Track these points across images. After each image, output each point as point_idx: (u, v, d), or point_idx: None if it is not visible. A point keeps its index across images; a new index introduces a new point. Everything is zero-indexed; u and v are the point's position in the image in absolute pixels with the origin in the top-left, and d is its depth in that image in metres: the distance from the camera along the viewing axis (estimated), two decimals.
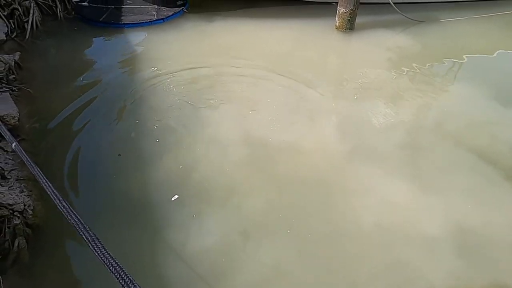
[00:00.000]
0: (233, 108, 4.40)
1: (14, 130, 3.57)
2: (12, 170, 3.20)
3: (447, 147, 3.94)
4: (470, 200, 3.34)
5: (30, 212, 2.83)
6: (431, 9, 7.14)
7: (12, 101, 3.87)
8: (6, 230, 2.63)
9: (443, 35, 6.32)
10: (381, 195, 3.34)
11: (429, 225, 3.11)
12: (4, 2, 5.52)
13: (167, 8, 6.61)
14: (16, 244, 2.60)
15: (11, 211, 2.72)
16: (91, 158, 3.61)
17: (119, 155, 3.61)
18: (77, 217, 1.36)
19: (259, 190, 3.37)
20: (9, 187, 2.95)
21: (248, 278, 2.69)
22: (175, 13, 6.49)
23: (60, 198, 1.46)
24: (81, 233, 1.27)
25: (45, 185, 1.61)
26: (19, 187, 3.02)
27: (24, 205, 2.81)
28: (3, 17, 5.39)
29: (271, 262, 2.79)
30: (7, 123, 3.52)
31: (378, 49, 5.78)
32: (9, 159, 3.31)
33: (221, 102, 4.48)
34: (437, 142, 4.00)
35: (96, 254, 1.16)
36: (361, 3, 6.06)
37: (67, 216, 1.38)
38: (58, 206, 1.44)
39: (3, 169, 3.11)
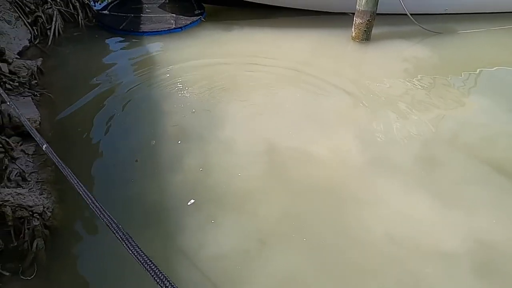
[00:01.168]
0: (249, 114, 4.44)
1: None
2: (32, 172, 3.28)
3: (464, 160, 3.89)
4: (490, 215, 3.25)
5: (49, 214, 2.90)
6: (448, 20, 7.11)
7: (34, 106, 3.99)
8: (26, 231, 2.69)
9: (460, 47, 6.28)
10: (396, 207, 3.30)
11: (447, 240, 3.03)
12: (28, 10, 5.71)
13: (185, 17, 6.73)
14: (34, 245, 2.65)
15: (30, 213, 2.78)
16: (108, 163, 3.67)
17: (136, 160, 3.65)
18: (110, 216, 1.39)
19: (274, 197, 3.37)
20: (29, 189, 3.02)
21: (260, 287, 2.68)
22: (192, 22, 6.60)
23: (93, 198, 1.50)
24: (114, 231, 1.29)
25: (76, 185, 1.65)
26: (38, 189, 3.09)
27: (43, 207, 2.87)
28: (27, 24, 5.57)
29: (285, 270, 2.78)
30: None
31: (395, 59, 5.77)
32: (30, 161, 3.40)
33: (237, 108, 4.52)
34: (454, 155, 3.95)
35: (130, 252, 1.19)
36: (377, 14, 6.07)
37: (99, 215, 1.41)
38: (90, 206, 1.47)
39: (24, 171, 3.19)
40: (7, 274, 2.48)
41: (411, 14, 6.29)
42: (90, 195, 1.56)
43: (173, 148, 3.85)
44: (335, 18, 7.10)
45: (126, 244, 1.22)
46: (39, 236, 2.72)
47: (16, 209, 2.74)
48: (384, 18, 6.57)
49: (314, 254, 2.91)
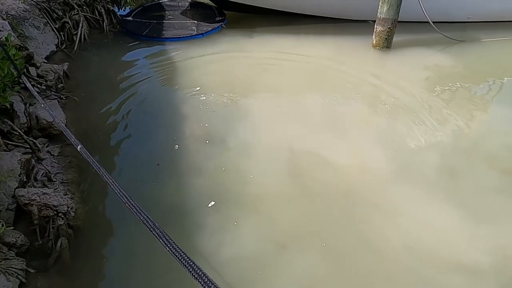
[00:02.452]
0: (269, 118, 4.47)
1: (60, 136, 3.78)
2: (58, 173, 3.38)
3: (487, 170, 3.81)
4: None
5: (73, 214, 2.97)
6: (471, 28, 7.01)
7: (60, 108, 4.10)
8: (51, 230, 2.77)
9: (484, 55, 6.18)
10: (416, 217, 3.25)
11: (470, 253, 2.95)
12: (56, 16, 5.90)
13: (206, 24, 6.84)
14: (59, 244, 2.73)
15: (55, 212, 2.86)
16: (130, 165, 3.74)
17: (158, 164, 3.71)
18: (146, 214, 1.43)
19: (294, 201, 3.37)
20: (55, 189, 3.11)
21: None
22: (213, 29, 6.69)
23: (128, 197, 1.54)
24: (150, 229, 1.33)
25: (112, 185, 1.70)
26: (63, 190, 3.18)
27: (67, 207, 2.95)
28: (54, 29, 5.75)
29: (303, 275, 2.77)
30: (55, 129, 3.74)
31: (416, 68, 5.72)
32: (55, 162, 3.50)
33: (257, 112, 4.56)
34: (477, 164, 3.88)
35: (167, 248, 1.22)
36: (399, 22, 6.03)
37: (136, 214, 1.45)
38: (126, 204, 1.52)
39: (49, 172, 3.29)
40: (33, 271, 2.55)
41: (433, 22, 6.23)
42: (125, 194, 1.61)
43: (194, 151, 3.90)
44: (355, 25, 7.09)
45: (163, 241, 1.25)
46: (63, 235, 2.79)
47: (42, 208, 2.82)
48: (405, 25, 6.52)
49: (333, 260, 2.89)
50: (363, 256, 2.92)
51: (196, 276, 1.13)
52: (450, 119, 4.52)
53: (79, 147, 2.14)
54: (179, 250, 1.19)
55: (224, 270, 2.77)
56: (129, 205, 1.51)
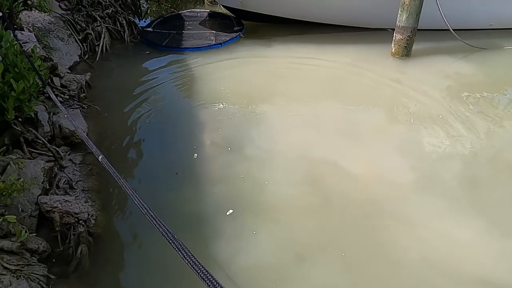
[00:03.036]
0: (287, 126, 4.47)
1: (82, 145, 3.87)
2: (79, 181, 3.45)
3: (510, 180, 3.69)
4: None
5: (93, 221, 3.02)
6: (494, 36, 6.87)
7: (82, 118, 4.21)
8: (71, 237, 2.82)
9: (506, 63, 6.04)
10: (436, 228, 3.16)
11: (495, 269, 2.84)
12: (79, 27, 6.08)
13: (225, 33, 6.92)
14: (79, 251, 2.77)
15: (76, 219, 2.92)
16: (150, 174, 3.79)
17: (177, 173, 3.74)
18: (165, 226, 1.44)
19: (312, 211, 3.34)
20: (76, 196, 3.17)
21: None
22: (232, 38, 6.77)
23: (148, 208, 1.56)
24: (169, 241, 1.34)
25: (132, 195, 1.72)
26: (84, 197, 3.24)
27: (88, 214, 3.00)
28: (78, 41, 5.93)
29: (320, 285, 2.74)
30: (77, 137, 3.82)
31: (436, 76, 5.62)
32: (77, 170, 3.58)
33: (275, 120, 4.58)
34: (499, 174, 3.77)
35: (185, 261, 1.23)
36: (418, 30, 5.96)
37: (155, 225, 1.46)
38: (145, 215, 1.54)
39: (71, 179, 3.36)
40: (53, 277, 2.60)
41: (453, 30, 6.13)
42: (145, 205, 1.63)
43: (212, 159, 3.93)
44: (374, 34, 7.04)
45: (182, 254, 1.26)
46: (84, 242, 2.83)
47: (64, 215, 2.88)
48: (425, 33, 6.44)
49: (351, 273, 2.84)
50: (382, 268, 2.86)
51: None
52: (472, 128, 4.41)
53: (100, 157, 2.18)
54: (198, 264, 1.19)
55: (241, 279, 2.75)
56: (148, 216, 1.53)
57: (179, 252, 1.27)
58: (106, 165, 1.97)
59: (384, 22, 6.92)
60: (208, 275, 1.17)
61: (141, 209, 1.57)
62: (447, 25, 6.08)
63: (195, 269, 1.19)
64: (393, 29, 6.11)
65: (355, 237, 3.10)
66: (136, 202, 1.63)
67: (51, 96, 3.12)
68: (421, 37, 6.19)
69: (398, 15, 5.89)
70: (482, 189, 3.59)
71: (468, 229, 3.16)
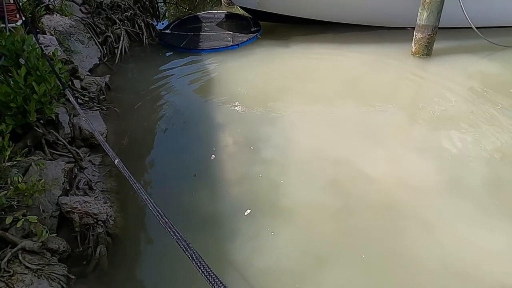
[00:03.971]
0: (305, 127, 4.43)
1: (101, 146, 3.91)
2: (98, 182, 3.49)
3: None
4: None
5: (111, 222, 3.05)
6: None
7: (101, 119, 4.26)
8: (91, 238, 2.86)
9: None
10: (458, 233, 3.06)
11: None
12: (99, 30, 6.18)
13: (242, 34, 6.92)
14: (98, 251, 2.80)
15: (95, 220, 2.95)
16: (168, 176, 3.80)
17: (195, 175, 3.74)
18: (179, 233, 1.43)
19: (331, 212, 3.30)
20: (95, 197, 3.21)
21: None
22: (249, 39, 6.76)
23: (162, 214, 1.56)
24: (183, 249, 1.33)
25: (147, 200, 1.72)
26: (103, 198, 3.28)
27: (107, 215, 3.03)
28: (97, 43, 6.02)
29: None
30: (96, 139, 3.87)
31: (459, 76, 5.47)
32: (96, 171, 3.62)
33: (293, 121, 4.54)
34: None
35: (199, 270, 1.21)
36: (439, 28, 5.82)
37: (169, 232, 1.46)
38: (160, 222, 1.53)
39: (91, 181, 3.40)
40: (73, 277, 2.63)
41: (476, 28, 5.96)
42: (160, 211, 1.62)
43: (230, 160, 3.92)
44: (393, 33, 6.92)
45: (196, 262, 1.24)
46: (102, 243, 2.86)
47: (83, 216, 2.92)
48: (446, 32, 6.29)
49: (368, 274, 2.78)
50: (402, 274, 2.78)
51: None
52: (496, 130, 4.27)
53: (116, 161, 2.18)
54: (212, 274, 1.17)
55: (258, 281, 2.74)
56: (163, 223, 1.52)
57: (192, 261, 1.25)
58: (122, 169, 1.98)
59: (404, 20, 6.80)
60: (221, 285, 1.15)
61: (155, 214, 1.56)
62: (469, 23, 5.92)
63: (208, 279, 1.17)
64: (413, 28, 5.98)
65: (375, 240, 3.03)
66: (151, 208, 1.63)
67: (70, 98, 3.17)
68: (442, 35, 6.04)
69: (419, 14, 5.76)
70: (509, 193, 3.46)
71: (494, 235, 3.05)
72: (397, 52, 6.17)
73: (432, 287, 2.69)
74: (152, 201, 1.70)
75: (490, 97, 4.88)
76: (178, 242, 1.41)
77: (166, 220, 1.52)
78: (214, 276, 1.16)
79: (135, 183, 1.87)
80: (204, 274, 1.18)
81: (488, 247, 2.95)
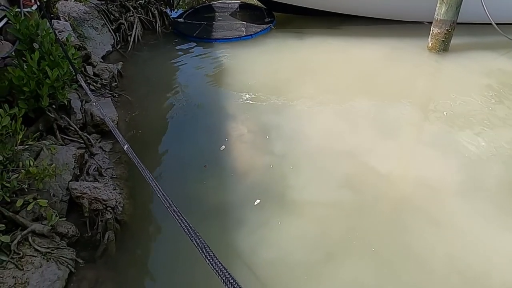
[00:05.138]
0: (317, 121, 4.38)
1: (112, 133, 3.92)
2: (108, 168, 3.51)
3: None
4: None
5: (120, 209, 3.06)
6: None
7: (113, 106, 4.27)
8: (99, 223, 2.88)
9: None
10: (469, 234, 3.00)
11: None
12: (113, 17, 6.17)
13: (255, 25, 6.85)
14: (106, 237, 2.82)
15: (104, 206, 2.97)
16: (178, 164, 3.80)
17: (205, 166, 3.73)
18: (188, 222, 1.42)
19: (342, 206, 3.27)
20: (105, 184, 3.23)
21: None
22: (262, 30, 6.69)
23: (170, 202, 1.54)
24: (191, 238, 1.32)
25: (155, 187, 1.71)
26: (112, 185, 3.29)
27: (116, 202, 3.05)
28: (111, 30, 6.02)
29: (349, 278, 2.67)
30: (107, 126, 3.88)
31: (476, 73, 5.34)
32: (106, 158, 3.64)
33: (305, 114, 4.49)
34: None
35: (206, 260, 1.19)
36: (457, 23, 5.68)
37: (177, 220, 1.44)
38: (168, 210, 1.52)
39: (101, 167, 3.42)
40: (81, 261, 2.65)
41: (496, 24, 5.80)
42: (168, 198, 1.61)
43: (242, 150, 3.91)
44: (409, 27, 6.79)
45: (203, 252, 1.22)
46: (111, 229, 2.88)
47: (92, 201, 2.94)
48: (465, 27, 6.14)
49: (378, 270, 2.75)
50: (411, 273, 2.75)
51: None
52: (510, 130, 4.17)
53: (125, 146, 2.18)
54: (220, 264, 1.15)
55: (265, 271, 2.74)
56: (171, 210, 1.50)
57: (200, 251, 1.24)
58: (131, 155, 1.97)
59: (421, 15, 6.65)
60: (229, 277, 1.13)
61: (163, 202, 1.55)
62: (489, 18, 5.76)
63: (216, 270, 1.15)
64: (430, 23, 5.85)
65: (385, 237, 2.99)
66: (159, 195, 1.61)
67: (82, 84, 3.17)
68: (461, 31, 5.90)
69: (437, 8, 5.62)
70: None
71: (508, 237, 2.99)
72: (413, 46, 6.05)
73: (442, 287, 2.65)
74: (160, 188, 1.69)
75: (508, 96, 4.76)
76: (186, 230, 1.39)
77: (174, 208, 1.51)
78: (221, 266, 1.15)
79: (143, 169, 1.86)
80: (211, 263, 1.17)
81: (501, 250, 2.89)
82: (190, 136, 4.21)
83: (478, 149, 3.88)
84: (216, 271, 1.13)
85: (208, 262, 1.20)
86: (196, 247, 1.30)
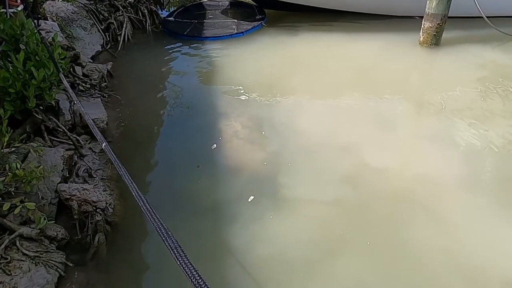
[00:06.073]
0: (311, 116, 4.36)
1: (102, 133, 3.86)
2: (98, 169, 3.45)
3: None
4: None
5: (111, 210, 3.01)
6: None
7: (103, 107, 4.21)
8: (89, 225, 2.83)
9: None
10: (467, 228, 2.99)
11: None
12: (102, 17, 6.10)
13: (247, 22, 6.81)
14: (96, 239, 2.77)
15: (94, 208, 2.92)
16: (170, 163, 3.76)
17: (198, 166, 3.68)
18: (160, 221, 1.38)
19: (338, 203, 3.25)
20: (94, 185, 3.17)
21: None
22: (254, 27, 6.65)
23: (145, 200, 1.50)
24: (163, 238, 1.28)
25: (130, 186, 1.67)
26: (102, 186, 3.24)
27: (106, 203, 3.00)
28: (100, 30, 5.95)
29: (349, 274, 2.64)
30: (97, 126, 3.82)
31: (468, 66, 5.34)
32: (96, 159, 3.58)
33: (300, 110, 4.47)
34: None
35: (177, 262, 1.16)
36: (448, 17, 5.67)
37: (150, 219, 1.41)
38: (141, 208, 1.48)
39: (90, 168, 3.37)
40: (71, 265, 2.61)
41: (487, 17, 5.81)
42: (142, 197, 1.57)
43: (234, 148, 3.87)
44: (400, 22, 6.78)
45: (175, 253, 1.18)
46: (101, 231, 2.83)
47: (82, 203, 2.88)
48: (456, 21, 6.14)
49: (374, 266, 2.73)
50: (408, 268, 2.73)
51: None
52: (507, 123, 4.16)
53: (103, 144, 2.13)
54: (190, 265, 1.11)
55: (262, 267, 2.71)
56: (144, 209, 1.47)
57: (171, 252, 1.20)
58: (108, 153, 1.93)
59: (412, 9, 6.64)
60: (198, 278, 1.10)
61: (138, 201, 1.51)
62: (480, 12, 5.76)
63: (186, 272, 1.11)
64: (421, 17, 5.84)
65: (382, 232, 2.97)
66: (134, 192, 1.57)
67: (64, 83, 3.12)
68: (452, 25, 5.89)
69: (428, 2, 5.62)
70: None
71: (505, 231, 2.97)
72: (404, 41, 6.04)
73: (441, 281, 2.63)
74: (135, 187, 1.65)
75: (500, 88, 4.76)
76: (158, 230, 1.35)
77: (148, 207, 1.47)
78: (192, 268, 1.11)
79: (120, 168, 1.82)
80: (182, 265, 1.13)
81: (498, 243, 2.88)
82: (182, 135, 4.16)
83: (474, 142, 3.87)
84: (187, 273, 1.09)
85: (178, 263, 1.16)
86: (167, 247, 1.26)
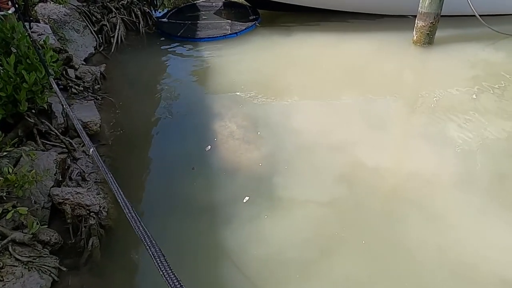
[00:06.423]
0: (306, 116, 4.36)
1: (95, 136, 3.86)
2: (92, 173, 3.43)
3: None
4: None
5: (105, 213, 2.99)
6: None
7: (96, 109, 4.19)
8: (83, 229, 2.80)
9: None
10: (461, 226, 3.01)
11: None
12: (95, 19, 6.06)
13: (240, 23, 6.80)
14: (90, 243, 2.75)
15: (88, 212, 2.90)
16: (165, 165, 3.75)
17: (193, 168, 3.67)
18: (144, 228, 1.37)
19: (333, 202, 3.26)
20: (88, 188, 3.15)
21: None
22: (247, 28, 6.64)
23: (130, 207, 1.49)
24: (146, 246, 1.27)
25: (116, 192, 1.66)
26: (96, 189, 3.22)
27: (100, 207, 2.97)
28: (93, 32, 5.91)
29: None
30: (90, 129, 3.81)
31: (462, 65, 5.36)
32: (90, 162, 3.56)
33: (294, 110, 4.48)
34: None
35: (160, 270, 1.15)
36: (441, 16, 5.69)
37: (134, 226, 1.40)
38: (126, 215, 1.47)
39: (84, 171, 3.34)
40: (65, 269, 2.58)
41: (480, 15, 5.83)
42: (128, 204, 1.56)
43: (229, 149, 3.87)
44: (394, 21, 6.80)
45: (157, 262, 1.17)
46: (95, 235, 2.81)
47: (75, 207, 2.86)
48: (449, 20, 6.16)
49: (369, 265, 2.73)
50: (402, 267, 2.73)
51: None
52: (500, 121, 4.18)
53: (91, 150, 2.12)
54: (172, 275, 1.10)
55: (258, 268, 2.70)
56: (129, 216, 1.46)
57: (154, 260, 1.19)
58: (96, 158, 1.92)
59: (405, 8, 6.66)
60: (175, 280, 1.09)
61: (123, 207, 1.50)
62: (473, 10, 5.79)
63: (168, 281, 1.10)
64: (414, 16, 5.86)
65: (377, 230, 2.98)
66: (119, 199, 1.56)
67: (53, 86, 3.09)
68: (445, 23, 5.91)
69: (421, 1, 5.63)
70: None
71: (498, 228, 2.99)
72: (397, 41, 6.06)
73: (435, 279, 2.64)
74: (121, 193, 1.65)
75: (493, 86, 4.78)
76: (142, 238, 1.34)
77: (133, 213, 1.46)
78: (174, 278, 1.10)
79: (107, 173, 1.82)
80: (164, 275, 1.12)
81: (490, 240, 2.89)
82: (177, 136, 4.15)
83: (466, 140, 3.89)
84: (168, 281, 1.08)
85: (161, 273, 1.15)
86: (150, 255, 1.25)
